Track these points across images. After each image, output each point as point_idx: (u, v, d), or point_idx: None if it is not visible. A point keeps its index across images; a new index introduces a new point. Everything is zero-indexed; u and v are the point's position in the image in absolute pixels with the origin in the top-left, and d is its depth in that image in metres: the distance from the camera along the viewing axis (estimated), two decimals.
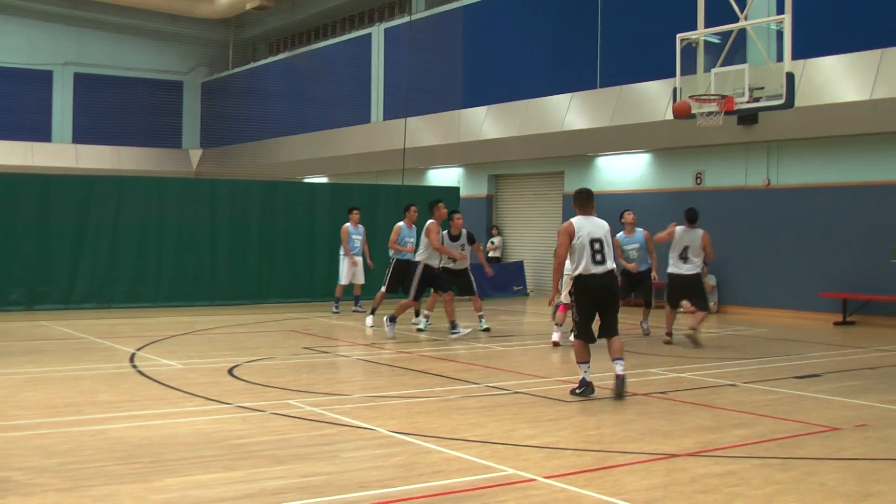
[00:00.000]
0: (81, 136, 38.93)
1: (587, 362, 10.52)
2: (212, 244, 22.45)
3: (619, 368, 10.40)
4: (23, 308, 20.09)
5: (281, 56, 38.72)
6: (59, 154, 37.23)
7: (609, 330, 10.63)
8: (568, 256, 10.64)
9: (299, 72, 37.18)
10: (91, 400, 10.10)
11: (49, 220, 20.86)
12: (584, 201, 10.99)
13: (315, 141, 35.17)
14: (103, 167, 36.38)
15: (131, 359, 13.20)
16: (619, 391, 10.36)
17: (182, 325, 17.84)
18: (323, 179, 34.66)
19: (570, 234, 10.50)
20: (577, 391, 10.49)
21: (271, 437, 8.30)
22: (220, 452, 7.67)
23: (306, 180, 34.56)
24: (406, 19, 31.97)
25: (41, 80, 38.62)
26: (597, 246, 10.44)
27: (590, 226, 10.60)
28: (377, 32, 33.21)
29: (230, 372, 12.05)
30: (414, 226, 18.05)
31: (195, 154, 41.97)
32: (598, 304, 10.57)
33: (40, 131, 38.15)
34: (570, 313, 14.98)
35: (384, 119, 32.56)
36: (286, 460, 7.42)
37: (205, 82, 42.68)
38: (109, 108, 39.39)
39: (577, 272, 10.47)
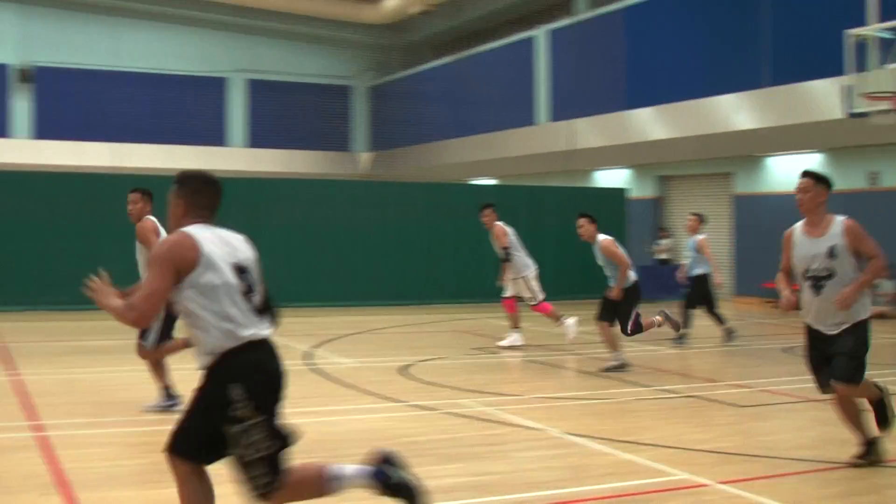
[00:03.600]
0: (254, 140, 40.12)
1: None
2: (380, 245, 22.88)
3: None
4: None
5: (445, 60, 39.07)
6: (233, 158, 38.42)
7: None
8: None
9: (463, 75, 37.44)
10: None
11: (225, 223, 21.58)
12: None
13: (480, 143, 35.39)
14: (275, 170, 37.37)
15: (306, 357, 13.56)
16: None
17: (354, 324, 18.23)
18: (489, 181, 34.87)
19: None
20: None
21: (443, 436, 8.42)
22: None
23: (472, 182, 34.81)
24: (569, 21, 31.87)
25: (216, 87, 39.93)
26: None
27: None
28: (540, 35, 33.20)
29: (402, 371, 12.26)
30: None
31: (364, 157, 42.73)
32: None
33: (215, 136, 39.45)
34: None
35: (549, 121, 32.54)
36: (458, 459, 7.52)
37: (371, 86, 43.42)
38: (281, 113, 40.44)
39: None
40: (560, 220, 24.53)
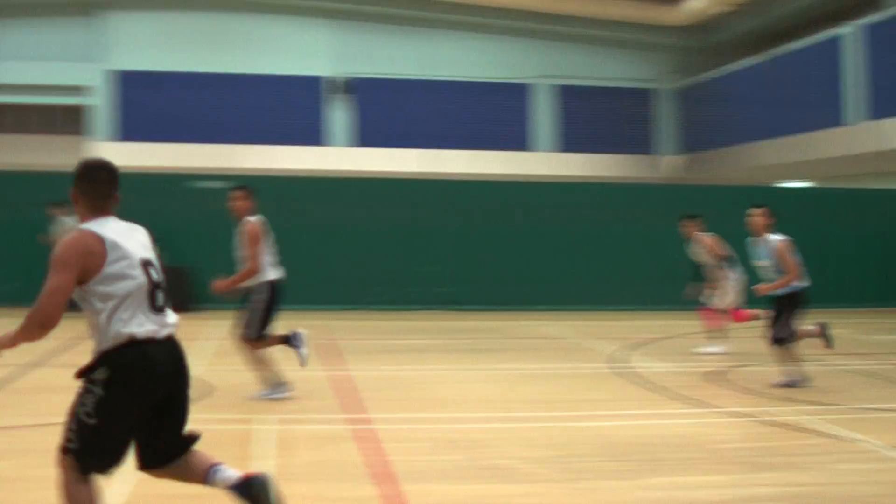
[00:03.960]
0: (559, 144, 40.53)
1: None
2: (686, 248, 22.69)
3: None
4: (518, 308, 21.35)
5: (752, 60, 38.12)
6: (538, 162, 39.00)
7: None
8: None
9: (771, 74, 36.41)
10: (581, 397, 10.62)
11: (535, 226, 22.18)
12: None
13: (789, 145, 34.31)
14: (579, 174, 37.68)
15: (610, 360, 13.64)
16: None
17: (661, 328, 18.17)
18: (802, 184, 33.86)
19: None
20: None
21: (756, 444, 8.32)
22: (704, 455, 7.80)
23: (778, 185, 33.86)
24: (881, 16, 30.43)
25: (520, 93, 40.65)
26: None
27: None
28: (851, 30, 31.84)
29: (712, 376, 12.14)
30: None
31: (666, 160, 42.33)
32: None
33: (519, 141, 40.14)
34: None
35: (860, 121, 31.16)
36: (772, 468, 7.40)
37: (673, 89, 42.92)
38: (584, 117, 40.63)
39: None
40: (875, 224, 23.60)
